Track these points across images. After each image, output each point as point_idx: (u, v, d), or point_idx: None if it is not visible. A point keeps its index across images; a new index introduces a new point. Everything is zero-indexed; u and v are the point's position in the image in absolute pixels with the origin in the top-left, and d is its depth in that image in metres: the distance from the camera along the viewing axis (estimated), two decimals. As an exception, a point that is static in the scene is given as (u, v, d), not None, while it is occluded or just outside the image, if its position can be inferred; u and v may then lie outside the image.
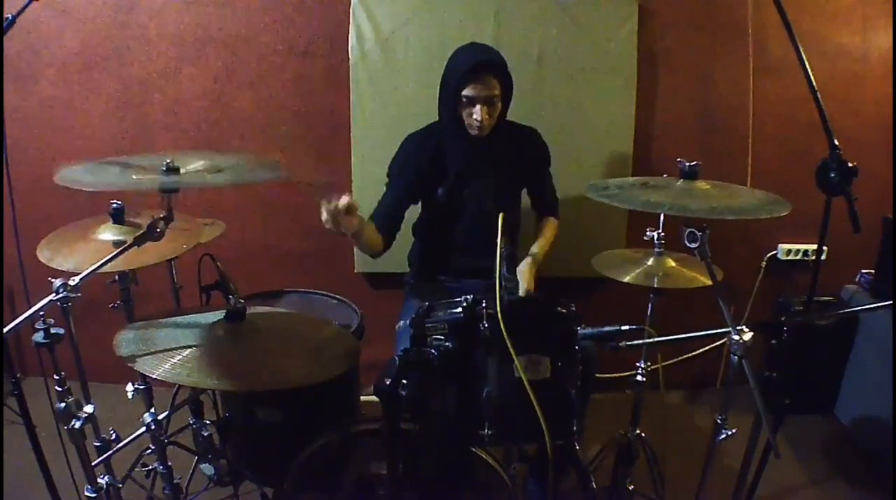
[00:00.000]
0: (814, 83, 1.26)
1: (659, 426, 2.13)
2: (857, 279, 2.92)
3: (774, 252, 2.97)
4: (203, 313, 1.57)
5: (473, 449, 1.56)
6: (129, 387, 1.72)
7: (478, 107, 1.95)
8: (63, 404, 1.38)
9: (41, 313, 1.32)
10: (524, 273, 2.02)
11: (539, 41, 2.62)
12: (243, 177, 1.45)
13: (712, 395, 3.06)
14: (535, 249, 2.15)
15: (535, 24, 2.60)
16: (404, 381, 1.23)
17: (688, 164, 1.79)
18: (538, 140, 2.23)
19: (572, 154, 2.60)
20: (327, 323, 1.74)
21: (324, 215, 1.64)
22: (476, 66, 1.93)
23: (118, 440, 1.65)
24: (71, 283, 1.33)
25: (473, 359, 1.29)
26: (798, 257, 2.95)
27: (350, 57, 2.62)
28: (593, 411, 1.97)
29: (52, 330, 1.37)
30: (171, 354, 1.37)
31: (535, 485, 1.93)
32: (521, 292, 1.95)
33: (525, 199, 2.32)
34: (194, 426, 1.71)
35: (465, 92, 1.94)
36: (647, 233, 1.93)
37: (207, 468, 1.76)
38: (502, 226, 1.35)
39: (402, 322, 2.03)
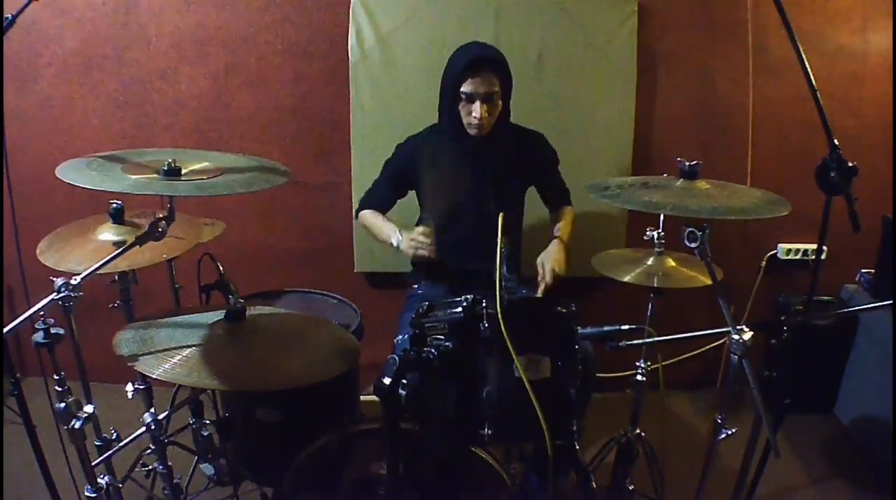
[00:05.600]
0: (814, 83, 1.26)
1: (659, 426, 2.13)
2: (857, 279, 2.92)
3: (774, 252, 2.97)
4: (203, 313, 1.57)
5: (473, 449, 1.57)
6: (129, 387, 1.71)
7: (477, 104, 1.94)
8: (63, 405, 1.38)
9: (41, 312, 1.32)
10: (553, 253, 2.01)
11: (539, 41, 2.61)
12: (254, 183, 1.45)
13: (712, 395, 3.06)
14: (558, 232, 2.15)
15: (534, 24, 2.60)
16: (404, 381, 1.23)
17: (688, 163, 1.80)
18: (545, 145, 2.22)
19: (572, 153, 2.59)
20: (327, 323, 1.74)
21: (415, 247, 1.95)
22: (475, 61, 1.92)
23: (118, 439, 1.65)
24: (73, 282, 1.33)
25: (473, 359, 1.29)
26: (798, 257, 2.96)
27: (350, 57, 2.62)
28: (593, 411, 1.97)
29: (52, 330, 1.37)
30: (171, 354, 1.37)
31: (535, 481, 1.92)
32: (549, 275, 1.96)
33: (526, 201, 2.32)
34: (194, 426, 1.71)
35: (464, 88, 1.94)
36: (647, 233, 1.93)
37: (207, 468, 1.76)
38: (502, 226, 1.35)
39: (400, 337, 2.03)
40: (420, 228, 1.97)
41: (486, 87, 1.93)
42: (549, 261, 1.99)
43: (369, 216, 2.22)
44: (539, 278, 1.98)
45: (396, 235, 2.04)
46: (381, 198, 2.23)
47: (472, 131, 2.01)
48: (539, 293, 1.95)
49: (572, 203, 2.32)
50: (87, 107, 2.72)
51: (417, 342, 1.33)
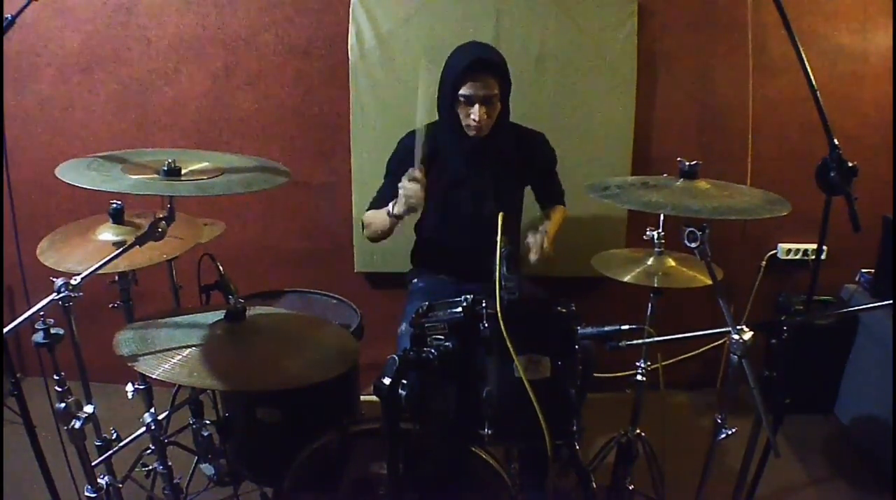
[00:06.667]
0: (814, 83, 1.26)
1: (659, 426, 2.13)
2: (856, 279, 2.91)
3: (774, 252, 2.97)
4: (203, 313, 1.57)
5: (473, 449, 1.57)
6: (129, 387, 1.72)
7: (476, 106, 1.93)
8: (63, 405, 1.38)
9: (41, 312, 1.32)
10: (537, 241, 1.96)
11: (539, 41, 2.62)
12: (254, 183, 1.46)
13: (712, 395, 3.06)
14: (544, 226, 2.09)
15: (534, 24, 2.60)
16: (404, 381, 1.23)
17: (687, 163, 1.80)
18: (545, 146, 2.21)
19: (572, 153, 2.60)
20: (327, 323, 1.74)
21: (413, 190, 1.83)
22: (474, 64, 1.91)
23: (118, 439, 1.65)
24: (73, 282, 1.33)
25: (473, 359, 1.29)
26: (798, 257, 2.96)
27: (350, 57, 2.62)
28: (593, 411, 1.96)
29: (52, 330, 1.37)
30: (171, 354, 1.37)
31: (532, 484, 1.92)
32: (535, 253, 1.93)
33: (527, 199, 2.32)
34: (194, 426, 1.71)
35: (463, 91, 1.93)
36: (647, 232, 1.93)
37: (207, 468, 1.76)
38: (502, 226, 1.35)
39: (403, 326, 2.02)
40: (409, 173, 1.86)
41: (484, 90, 1.92)
42: (538, 241, 1.96)
43: (370, 214, 2.16)
44: (531, 243, 1.95)
45: (390, 205, 1.96)
46: (385, 199, 2.15)
47: (470, 133, 2.01)
48: (533, 254, 1.94)
49: (566, 204, 2.32)
50: (87, 107, 2.72)
51: (417, 342, 1.33)
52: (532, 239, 2.00)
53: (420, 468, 1.50)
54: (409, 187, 1.85)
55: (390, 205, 1.96)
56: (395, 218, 1.96)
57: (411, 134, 2.16)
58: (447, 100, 1.98)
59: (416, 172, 1.85)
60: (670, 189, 1.77)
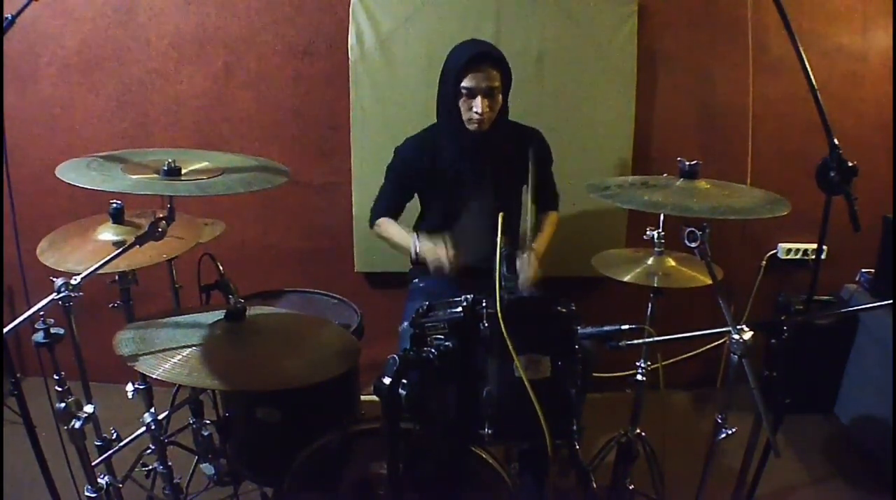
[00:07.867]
0: (814, 82, 1.27)
1: (659, 426, 2.13)
2: (856, 278, 2.91)
3: (774, 251, 2.97)
4: (203, 313, 1.57)
5: (473, 449, 1.57)
6: (129, 387, 1.71)
7: (478, 98, 1.94)
8: (63, 405, 1.38)
9: (41, 312, 1.32)
10: (525, 262, 2.00)
11: (539, 41, 2.62)
12: (254, 183, 1.46)
13: (712, 395, 3.06)
14: (534, 244, 2.14)
15: (535, 24, 2.60)
16: (404, 381, 1.23)
17: (688, 163, 1.80)
18: (541, 142, 2.22)
19: (572, 153, 2.61)
20: (327, 323, 1.74)
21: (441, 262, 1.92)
22: (475, 56, 1.93)
23: (118, 439, 1.65)
24: (73, 282, 1.33)
25: (473, 359, 1.29)
26: (798, 257, 2.96)
27: (350, 57, 2.62)
28: (593, 411, 1.97)
29: (52, 330, 1.37)
30: (171, 354, 1.37)
31: (532, 484, 1.92)
32: (522, 282, 1.94)
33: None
34: (194, 426, 1.71)
35: (465, 83, 1.94)
36: (647, 232, 1.93)
37: (207, 468, 1.76)
38: (502, 225, 1.35)
39: (405, 324, 2.03)
40: (448, 248, 1.95)
41: (487, 81, 1.94)
42: (527, 270, 1.99)
43: (387, 225, 2.17)
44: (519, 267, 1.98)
45: (414, 241, 2.01)
46: (391, 204, 2.20)
47: (471, 127, 2.01)
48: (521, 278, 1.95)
49: (559, 208, 2.32)
50: (87, 107, 2.72)
51: (417, 342, 1.33)
52: (519, 263, 2.00)
53: (420, 468, 1.50)
54: (439, 264, 1.92)
55: (417, 243, 2.00)
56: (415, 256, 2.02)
57: (407, 142, 2.17)
58: (449, 96, 1.99)
59: (451, 255, 1.91)
60: (670, 189, 1.77)
